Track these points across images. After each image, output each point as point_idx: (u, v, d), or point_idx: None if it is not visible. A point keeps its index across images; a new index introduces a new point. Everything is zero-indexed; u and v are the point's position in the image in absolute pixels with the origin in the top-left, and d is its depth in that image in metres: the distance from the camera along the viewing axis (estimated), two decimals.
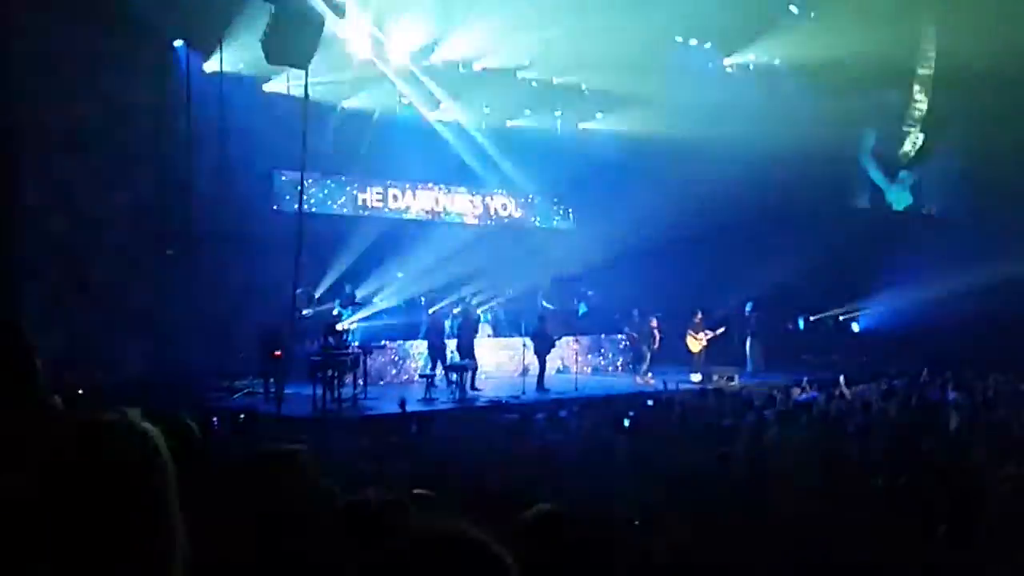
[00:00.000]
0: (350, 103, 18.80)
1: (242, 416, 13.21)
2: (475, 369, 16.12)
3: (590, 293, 19.86)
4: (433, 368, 16.31)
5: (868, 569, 5.19)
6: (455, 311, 17.92)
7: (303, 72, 13.90)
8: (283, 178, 17.98)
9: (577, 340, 18.74)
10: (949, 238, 21.42)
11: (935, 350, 18.49)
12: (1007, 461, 8.68)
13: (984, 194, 21.99)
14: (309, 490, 2.92)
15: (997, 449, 9.24)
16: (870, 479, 7.54)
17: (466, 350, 16.22)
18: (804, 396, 14.60)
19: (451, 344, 16.80)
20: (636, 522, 5.67)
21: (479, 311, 18.29)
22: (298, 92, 14.81)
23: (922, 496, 6.91)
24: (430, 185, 20.80)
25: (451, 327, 17.25)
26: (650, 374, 18.29)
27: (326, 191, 19.05)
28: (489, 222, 21.79)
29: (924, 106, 22.63)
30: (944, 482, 7.45)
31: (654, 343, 18.78)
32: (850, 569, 5.29)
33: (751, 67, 20.86)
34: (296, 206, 14.86)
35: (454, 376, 15.86)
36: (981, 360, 17.56)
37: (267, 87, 17.25)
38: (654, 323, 18.80)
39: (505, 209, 22.25)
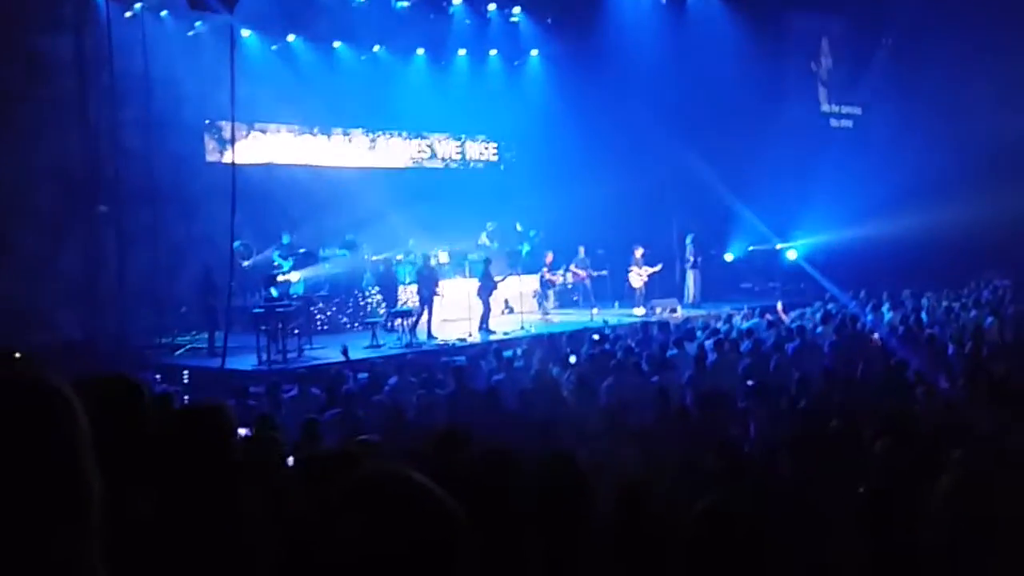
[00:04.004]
0: (280, 47, 18.35)
1: (185, 372, 13.11)
2: (419, 316, 16.04)
3: (532, 232, 19.86)
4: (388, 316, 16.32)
5: (790, 482, 5.39)
6: (398, 258, 17.83)
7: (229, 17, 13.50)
8: (214, 129, 17.54)
9: (521, 279, 18.80)
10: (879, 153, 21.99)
11: (872, 272, 18.98)
12: (939, 377, 9.01)
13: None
14: (234, 442, 2.94)
15: (931, 366, 9.57)
16: (796, 400, 7.76)
17: (426, 296, 16.09)
18: (744, 324, 14.91)
19: (402, 290, 16.76)
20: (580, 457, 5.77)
21: (433, 255, 18.24)
22: (225, 38, 14.38)
23: (856, 415, 7.13)
24: (366, 130, 20.47)
25: (401, 274, 17.18)
26: (596, 309, 18.46)
27: (259, 140, 18.64)
28: (429, 164, 21.58)
29: None
30: (879, 400, 7.71)
31: (584, 280, 19.15)
32: (774, 482, 5.48)
33: None
34: (229, 158, 14.55)
35: (399, 322, 15.83)
36: (916, 279, 18.10)
37: (191, 33, 16.73)
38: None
39: (444, 151, 22.05)
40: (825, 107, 25.21)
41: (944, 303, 15.91)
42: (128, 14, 15.85)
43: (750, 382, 9.03)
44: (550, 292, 18.58)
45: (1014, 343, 11.30)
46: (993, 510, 2.33)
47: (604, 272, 19.33)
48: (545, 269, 18.21)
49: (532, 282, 19.16)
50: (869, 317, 14.59)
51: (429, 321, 15.99)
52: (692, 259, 19.92)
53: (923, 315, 14.61)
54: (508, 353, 12.42)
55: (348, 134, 20.17)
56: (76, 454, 1.36)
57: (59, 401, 1.37)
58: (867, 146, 23.21)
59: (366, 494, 1.22)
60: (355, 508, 1.20)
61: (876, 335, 7.62)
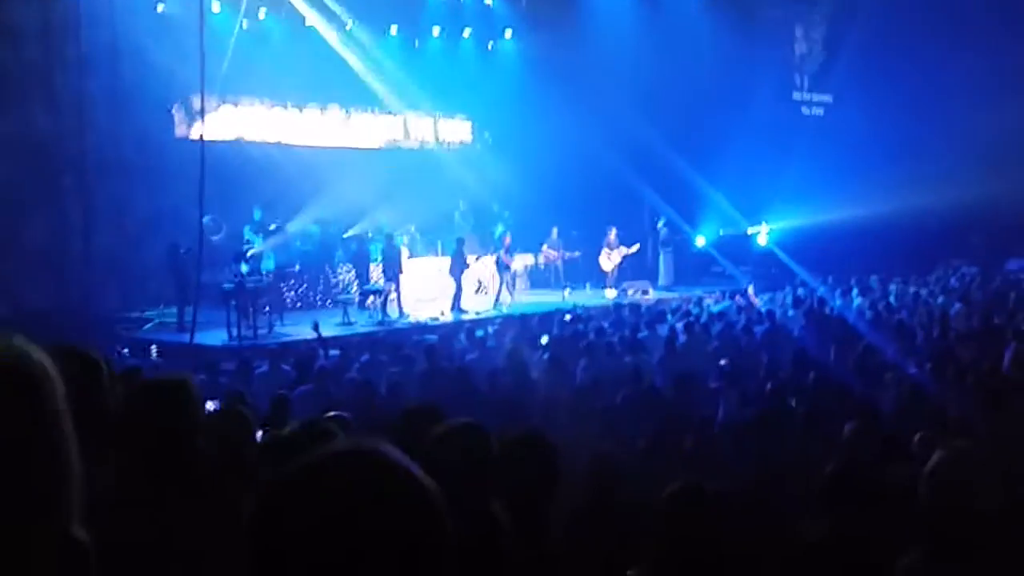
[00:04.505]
0: (251, 23, 18.09)
1: (153, 346, 12.97)
2: (390, 292, 15.99)
3: (506, 213, 19.83)
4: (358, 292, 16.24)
5: (757, 462, 5.44)
6: (368, 235, 17.73)
7: None
8: (182, 103, 17.27)
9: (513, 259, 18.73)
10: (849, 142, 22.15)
11: (841, 258, 19.16)
12: (907, 362, 9.11)
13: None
14: (199, 415, 2.90)
15: (903, 351, 9.67)
16: (764, 383, 7.82)
17: (392, 273, 16.07)
18: (715, 307, 15.00)
19: (373, 269, 16.67)
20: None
21: (397, 234, 18.13)
22: (194, 12, 14.14)
23: (825, 398, 7.20)
24: (336, 107, 20.26)
25: (376, 250, 17.02)
26: (568, 290, 18.48)
27: (229, 114, 18.38)
28: (403, 144, 21.44)
29: None
30: (848, 384, 7.79)
31: (556, 260, 19.13)
32: (742, 462, 5.53)
33: None
34: (198, 132, 14.35)
35: (371, 299, 15.76)
36: (885, 265, 18.30)
37: (161, 8, 16.47)
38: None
39: (418, 130, 21.90)
40: (797, 94, 25.32)
41: (912, 289, 16.08)
42: None
43: (723, 362, 9.09)
44: (506, 275, 18.02)
45: (982, 330, 11.43)
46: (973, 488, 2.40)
47: (577, 254, 19.36)
48: (502, 251, 17.84)
49: (516, 261, 19.10)
50: (838, 302, 14.72)
51: (399, 299, 15.94)
52: (665, 242, 19.99)
53: (891, 300, 14.76)
54: (480, 333, 12.41)
55: (325, 108, 19.94)
56: (56, 420, 1.34)
57: (35, 366, 1.35)
58: (838, 133, 23.34)
59: (339, 467, 1.19)
60: (328, 481, 1.17)
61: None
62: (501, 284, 17.69)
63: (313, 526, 1.12)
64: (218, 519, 2.69)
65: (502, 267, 17.70)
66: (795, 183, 20.84)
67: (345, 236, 17.61)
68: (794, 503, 4.45)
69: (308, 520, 1.13)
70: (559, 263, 19.41)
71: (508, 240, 17.96)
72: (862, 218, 20.12)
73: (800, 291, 16.38)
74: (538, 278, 20.50)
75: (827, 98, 25.60)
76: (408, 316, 15.69)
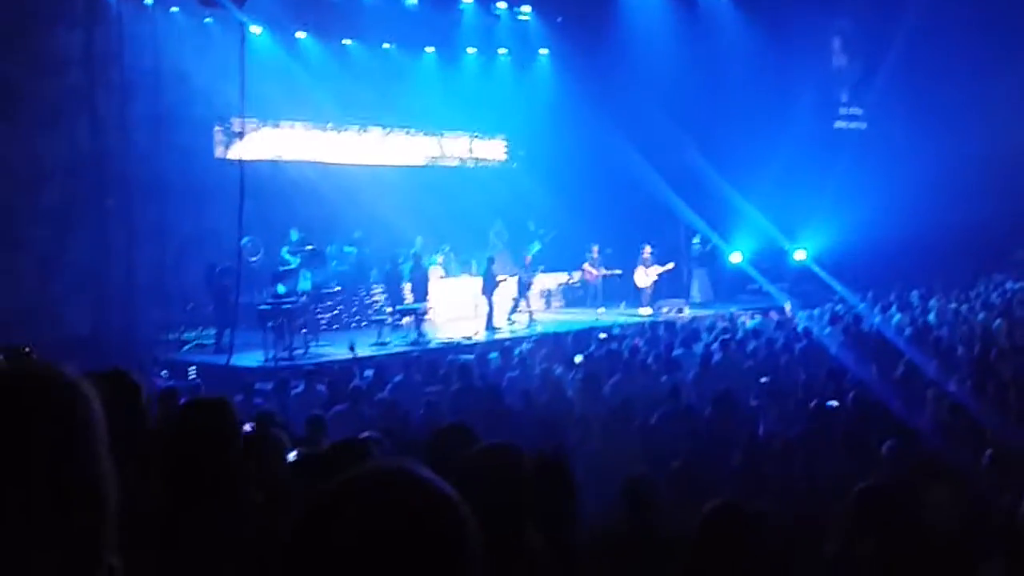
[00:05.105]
0: (290, 45, 18.36)
1: (192, 368, 13.11)
2: (426, 312, 16.06)
3: (542, 231, 19.85)
4: (393, 312, 16.32)
5: (804, 480, 5.37)
6: (400, 255, 17.79)
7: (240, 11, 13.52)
8: (223, 124, 17.53)
9: (535, 279, 18.71)
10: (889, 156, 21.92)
11: (882, 274, 18.91)
12: (948, 379, 8.96)
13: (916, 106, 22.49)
14: (236, 437, 2.94)
15: (943, 368, 9.52)
16: (808, 400, 7.73)
17: (420, 293, 16.17)
18: (750, 324, 14.87)
19: (406, 288, 16.75)
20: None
21: (433, 255, 18.22)
22: (235, 35, 14.39)
23: (864, 417, 7.11)
24: (377, 129, 20.44)
25: (406, 271, 17.08)
26: (602, 308, 18.43)
27: (268, 136, 18.62)
28: (439, 163, 21.56)
29: None
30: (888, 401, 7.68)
31: (596, 279, 19.03)
32: (787, 480, 5.46)
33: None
34: (237, 153, 14.54)
35: (406, 319, 15.84)
36: (925, 281, 18.03)
37: (202, 31, 16.76)
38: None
39: (454, 149, 22.02)
40: (837, 108, 25.08)
41: (952, 305, 15.83)
42: (140, 9, 15.87)
43: (764, 379, 9.00)
44: (527, 293, 17.83)
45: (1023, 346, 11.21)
46: None
47: (618, 271, 19.25)
48: (522, 270, 17.68)
49: (540, 280, 19.10)
50: (877, 319, 14.53)
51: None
52: (699, 258, 19.87)
53: (931, 317, 14.54)
54: (516, 351, 12.39)
55: (366, 130, 20.12)
56: (95, 448, 1.36)
57: (79, 395, 1.37)
58: (878, 147, 23.11)
59: (372, 487, 1.21)
60: (361, 501, 1.19)
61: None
62: (517, 301, 17.60)
63: (348, 546, 1.14)
64: (253, 537, 2.72)
65: (523, 285, 17.66)
66: (834, 198, 20.62)
67: (382, 256, 17.69)
68: (834, 521, 4.39)
69: (343, 540, 1.15)
70: (598, 281, 19.30)
71: (528, 259, 17.95)
72: (904, 233, 19.86)
73: (839, 308, 16.19)
74: (573, 296, 20.46)
75: (867, 111, 25.30)
76: (442, 336, 15.72)
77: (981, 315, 14.41)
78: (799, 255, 21.48)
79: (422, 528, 1.17)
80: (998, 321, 13.25)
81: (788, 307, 16.61)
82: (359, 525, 1.15)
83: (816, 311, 16.30)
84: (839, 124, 24.82)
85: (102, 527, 1.35)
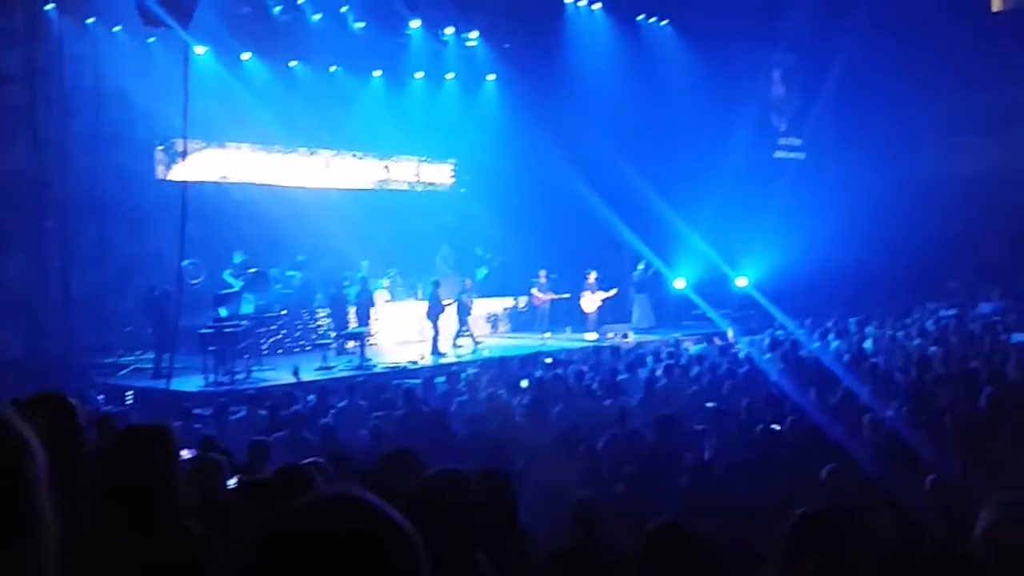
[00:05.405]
0: (235, 67, 18.18)
1: (129, 393, 12.84)
2: (370, 336, 15.99)
3: (488, 255, 19.88)
4: (337, 337, 16.19)
5: (748, 502, 5.43)
6: (352, 277, 17.69)
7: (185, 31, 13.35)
8: (165, 145, 17.28)
9: (474, 303, 18.74)
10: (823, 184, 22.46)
11: (821, 301, 19.28)
12: (886, 406, 9.13)
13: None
14: (175, 463, 2.89)
15: (880, 394, 9.71)
16: (753, 425, 7.83)
17: (364, 317, 16.10)
18: (696, 349, 15.03)
19: (350, 312, 16.62)
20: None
21: (378, 279, 18.13)
22: (178, 54, 14.20)
23: (805, 442, 7.22)
24: (324, 151, 20.32)
25: (351, 295, 16.95)
26: (548, 333, 18.50)
27: (211, 157, 18.38)
28: (386, 187, 21.50)
29: None
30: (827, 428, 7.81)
31: (545, 303, 19.09)
32: (734, 500, 5.52)
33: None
34: (180, 174, 14.34)
35: (351, 343, 15.71)
36: (863, 308, 18.42)
37: (144, 51, 16.54)
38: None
39: (401, 173, 21.99)
40: (776, 137, 25.64)
41: (889, 332, 16.18)
42: (80, 28, 15.62)
43: (710, 404, 9.09)
44: (467, 319, 17.76)
45: (959, 373, 11.49)
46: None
47: (567, 295, 19.34)
48: (464, 295, 17.65)
49: (486, 305, 19.09)
50: (816, 345, 14.78)
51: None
52: (641, 284, 20.06)
53: (868, 344, 14.84)
54: (462, 376, 12.37)
55: (313, 152, 19.99)
56: (33, 491, 1.31)
57: (13, 436, 1.32)
58: (816, 176, 23.65)
59: (326, 515, 1.20)
60: (315, 529, 1.18)
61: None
62: (460, 328, 17.55)
63: (299, 574, 1.13)
64: (192, 566, 2.66)
65: (463, 309, 17.66)
66: (774, 226, 21.02)
67: (324, 280, 17.57)
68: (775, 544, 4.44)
69: (293, 569, 1.14)
70: (546, 306, 19.35)
71: (469, 283, 17.95)
72: (842, 261, 20.32)
73: (779, 333, 16.44)
74: (519, 321, 20.49)
75: (805, 142, 25.91)
76: (387, 360, 15.63)
77: (917, 341, 14.75)
78: (740, 282, 21.79)
79: (376, 557, 1.16)
80: (933, 348, 13.56)
81: (731, 333, 16.84)
82: (313, 553, 1.14)
83: (758, 337, 16.55)
84: (779, 154, 25.35)
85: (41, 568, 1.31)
